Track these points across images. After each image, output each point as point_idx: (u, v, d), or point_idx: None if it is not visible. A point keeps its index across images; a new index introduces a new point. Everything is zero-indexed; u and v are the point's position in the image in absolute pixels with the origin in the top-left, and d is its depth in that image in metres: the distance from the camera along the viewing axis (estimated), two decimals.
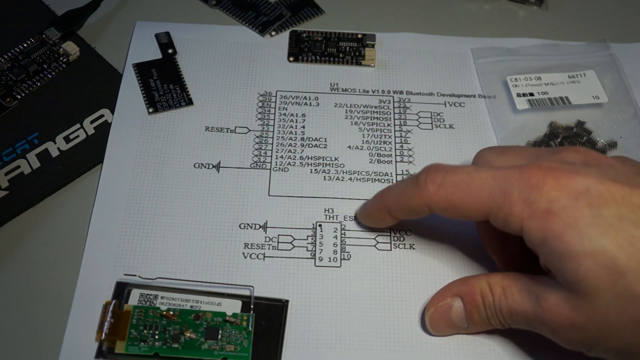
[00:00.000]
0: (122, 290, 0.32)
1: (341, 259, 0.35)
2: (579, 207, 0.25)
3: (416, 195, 0.30)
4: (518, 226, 0.27)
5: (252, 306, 0.32)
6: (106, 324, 0.31)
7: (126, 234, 0.35)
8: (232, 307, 0.32)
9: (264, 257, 0.34)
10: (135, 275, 0.32)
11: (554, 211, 0.26)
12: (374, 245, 0.35)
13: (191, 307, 0.32)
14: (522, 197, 0.27)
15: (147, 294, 0.32)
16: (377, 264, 0.35)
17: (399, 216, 0.32)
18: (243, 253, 0.35)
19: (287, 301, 0.33)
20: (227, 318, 0.31)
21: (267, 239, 0.35)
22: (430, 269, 0.34)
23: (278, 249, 0.35)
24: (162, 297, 0.32)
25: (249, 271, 0.34)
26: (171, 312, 0.31)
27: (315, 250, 0.35)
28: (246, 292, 0.33)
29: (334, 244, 0.35)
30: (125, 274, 0.33)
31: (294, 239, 0.35)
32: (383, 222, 0.34)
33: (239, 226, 0.35)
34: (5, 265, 0.34)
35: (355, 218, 0.36)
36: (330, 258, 0.35)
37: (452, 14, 0.46)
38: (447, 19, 0.46)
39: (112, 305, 0.31)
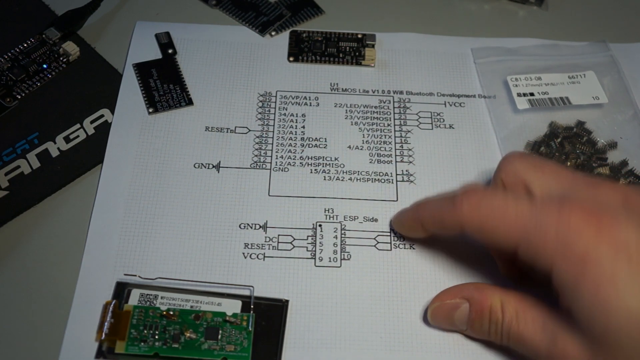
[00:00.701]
0: (122, 290, 0.32)
1: (341, 259, 0.35)
2: (618, 261, 0.25)
3: (450, 212, 0.30)
4: (548, 264, 0.26)
5: (252, 306, 0.32)
6: (106, 324, 0.31)
7: (126, 234, 0.35)
8: (232, 307, 0.32)
9: (264, 257, 0.34)
10: (135, 276, 0.32)
11: (592, 260, 0.25)
12: (374, 246, 0.35)
13: (191, 307, 0.32)
14: (558, 236, 0.26)
15: (147, 294, 0.32)
16: (377, 264, 0.35)
17: (431, 229, 0.32)
18: (243, 253, 0.35)
19: (287, 301, 0.33)
20: (227, 318, 0.31)
21: (267, 239, 0.35)
22: (431, 269, 0.34)
23: (278, 249, 0.35)
24: (162, 297, 0.32)
25: (249, 271, 0.34)
26: (171, 312, 0.31)
27: (315, 250, 0.35)
28: (246, 292, 0.33)
29: (334, 244, 0.35)
30: (125, 274, 0.33)
31: (294, 239, 0.35)
32: (415, 233, 0.34)
33: (239, 226, 0.35)
34: (6, 265, 0.34)
35: (390, 224, 0.36)
36: (330, 258, 0.35)
37: (452, 14, 0.46)
38: (447, 19, 0.46)
39: (112, 305, 0.31)
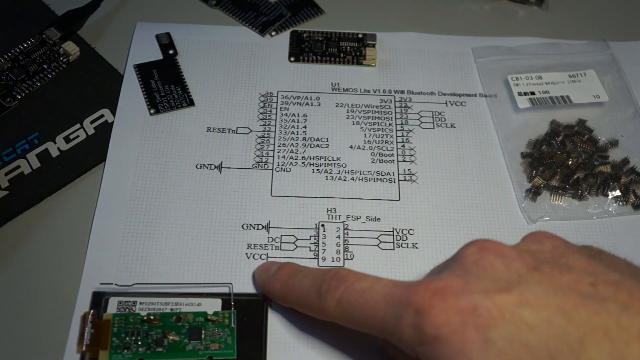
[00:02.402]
0: (99, 299, 0.32)
1: (344, 259, 0.35)
2: (467, 331, 0.23)
3: (316, 308, 0.29)
4: (413, 352, 0.25)
5: (232, 303, 0.32)
6: (86, 334, 0.30)
7: (129, 235, 0.34)
8: (212, 306, 0.32)
9: (267, 257, 0.34)
10: (111, 284, 0.32)
11: (442, 337, 0.24)
12: (377, 245, 0.35)
13: (171, 309, 0.32)
14: (411, 323, 0.25)
15: (125, 301, 0.32)
16: (380, 264, 0.35)
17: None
18: (246, 254, 0.34)
19: None
20: (209, 317, 0.31)
21: (270, 240, 0.35)
22: None
23: (281, 249, 0.35)
24: (140, 303, 0.32)
25: (252, 272, 0.34)
26: (152, 317, 0.31)
27: (318, 250, 0.35)
28: (225, 290, 0.33)
29: (336, 243, 0.35)
30: (101, 283, 0.32)
31: (297, 239, 0.35)
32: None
33: (242, 227, 0.35)
34: (6, 265, 0.34)
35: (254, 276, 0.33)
36: (333, 258, 0.35)
37: (452, 13, 0.46)
38: (448, 19, 0.46)
39: (90, 315, 0.30)
